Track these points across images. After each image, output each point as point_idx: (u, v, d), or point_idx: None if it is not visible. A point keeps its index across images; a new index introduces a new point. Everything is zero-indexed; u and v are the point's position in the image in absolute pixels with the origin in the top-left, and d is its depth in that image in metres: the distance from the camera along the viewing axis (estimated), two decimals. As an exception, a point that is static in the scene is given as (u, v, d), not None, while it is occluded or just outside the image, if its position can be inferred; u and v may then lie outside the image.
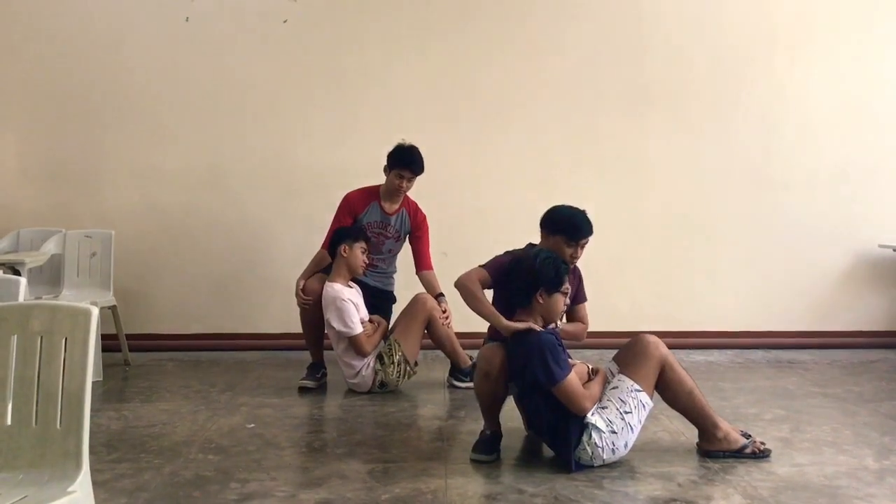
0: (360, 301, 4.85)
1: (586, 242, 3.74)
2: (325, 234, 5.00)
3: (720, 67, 6.08)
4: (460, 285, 3.65)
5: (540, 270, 3.46)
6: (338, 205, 5.02)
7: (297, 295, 4.85)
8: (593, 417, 3.41)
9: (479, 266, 3.69)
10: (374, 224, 5.00)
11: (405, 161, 4.88)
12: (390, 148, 4.98)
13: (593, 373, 3.58)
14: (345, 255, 4.78)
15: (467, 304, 3.64)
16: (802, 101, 6.13)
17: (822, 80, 6.12)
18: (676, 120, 6.11)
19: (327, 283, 4.80)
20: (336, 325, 4.68)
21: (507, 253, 3.75)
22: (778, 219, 6.14)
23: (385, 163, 4.96)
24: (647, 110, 6.09)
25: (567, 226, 3.70)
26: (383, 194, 5.01)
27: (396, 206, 5.04)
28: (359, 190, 5.04)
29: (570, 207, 3.80)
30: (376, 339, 4.79)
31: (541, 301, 3.48)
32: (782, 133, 6.13)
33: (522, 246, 3.85)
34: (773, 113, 6.13)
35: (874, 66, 6.13)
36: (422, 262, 5.06)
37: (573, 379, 3.39)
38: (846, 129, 6.13)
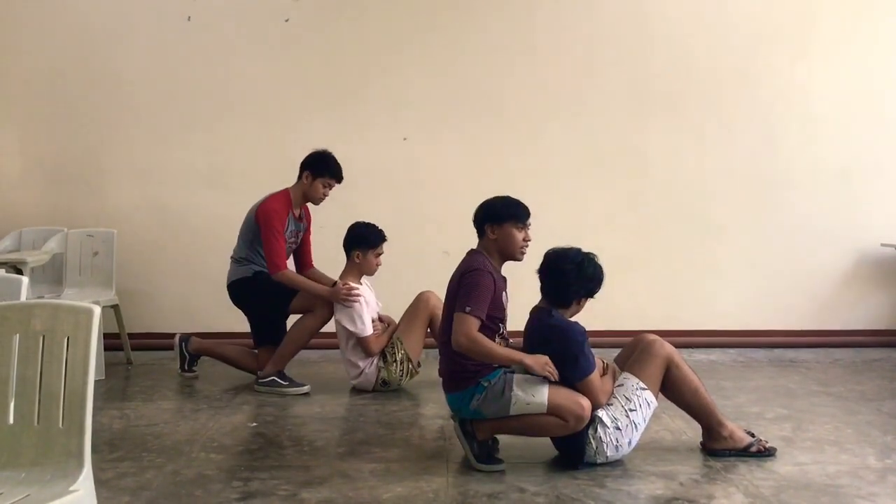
0: (371, 298, 4.88)
1: (530, 223, 3.64)
2: (273, 251, 4.74)
3: (723, 66, 6.07)
4: (466, 349, 3.37)
5: (593, 277, 3.51)
6: (262, 218, 4.80)
7: (347, 295, 4.67)
8: (600, 413, 3.43)
9: (467, 313, 3.36)
10: (291, 233, 4.96)
11: (337, 173, 4.87)
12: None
13: (605, 368, 3.61)
14: (357, 261, 4.83)
15: (482, 360, 3.42)
16: (805, 100, 6.11)
17: (826, 79, 6.10)
18: (679, 119, 6.09)
19: (340, 282, 4.81)
20: (347, 324, 4.70)
21: (475, 272, 3.46)
22: (780, 218, 6.13)
23: (305, 170, 4.88)
24: (650, 109, 6.08)
25: (513, 210, 3.59)
26: (296, 201, 4.93)
27: (299, 209, 5.02)
28: (279, 201, 4.85)
29: (496, 197, 3.66)
30: (385, 340, 4.80)
31: (579, 304, 3.56)
32: (785, 132, 6.12)
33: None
34: (776, 112, 6.11)
35: (878, 66, 6.11)
36: (310, 260, 5.14)
37: (598, 373, 3.46)
38: (849, 128, 6.11)
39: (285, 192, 4.92)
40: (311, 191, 4.89)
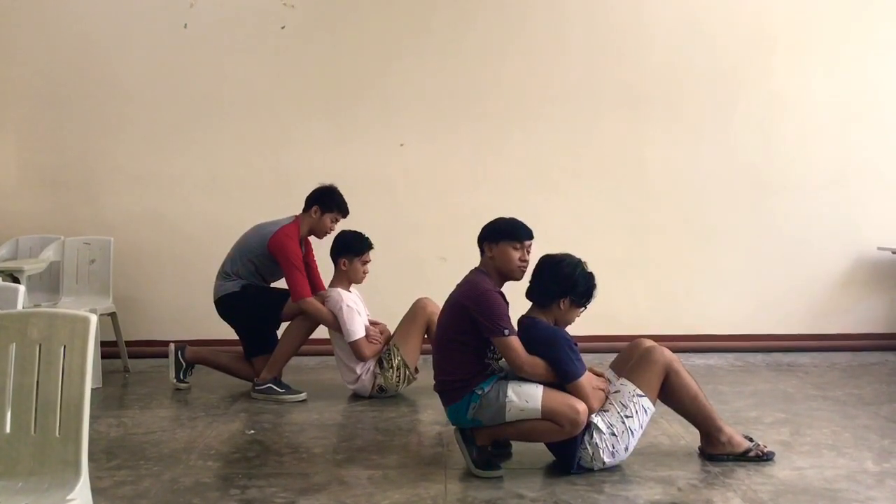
0: (361, 306, 4.89)
1: (530, 245, 3.62)
2: (296, 282, 4.76)
3: (719, 72, 6.09)
4: (529, 374, 3.41)
5: (577, 279, 3.50)
6: (281, 252, 4.80)
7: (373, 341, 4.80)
8: (595, 418, 3.43)
9: (507, 336, 3.39)
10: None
11: (344, 207, 4.96)
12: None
13: (597, 376, 3.61)
14: (344, 268, 4.86)
15: (542, 381, 3.43)
16: (801, 104, 6.13)
17: (821, 83, 6.12)
18: (676, 124, 6.11)
19: (329, 289, 4.85)
20: (340, 322, 4.72)
21: (484, 294, 3.46)
22: (777, 222, 6.14)
23: (314, 205, 4.93)
24: (647, 114, 6.09)
25: (507, 229, 3.59)
26: (303, 233, 4.99)
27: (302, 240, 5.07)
28: (291, 235, 4.87)
29: (500, 217, 3.69)
30: (378, 347, 4.80)
31: (561, 307, 3.53)
32: (781, 137, 6.13)
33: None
34: (773, 116, 6.13)
35: (873, 70, 6.13)
36: (321, 282, 5.12)
37: (588, 376, 3.46)
38: (845, 132, 6.13)
39: (296, 224, 4.95)
40: (318, 224, 4.96)
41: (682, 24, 6.09)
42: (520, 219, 3.66)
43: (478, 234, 3.67)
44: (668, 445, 3.84)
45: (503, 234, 3.58)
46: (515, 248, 3.56)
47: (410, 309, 4.89)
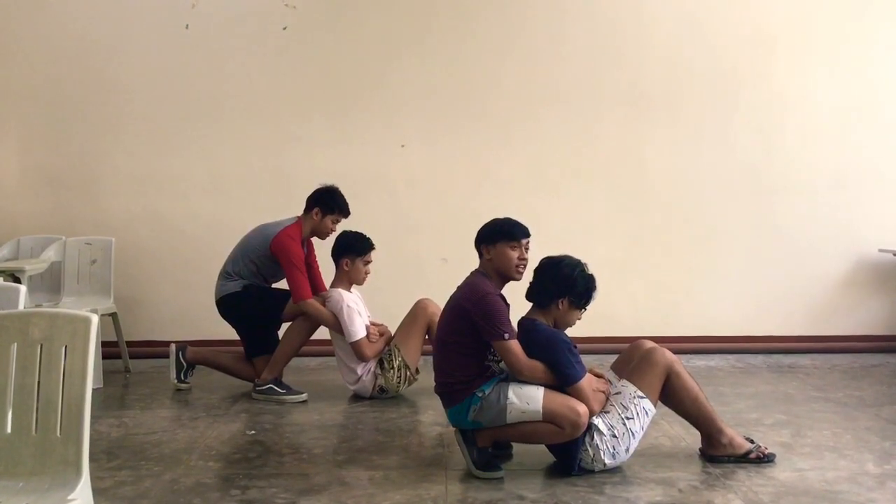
0: (362, 306, 4.89)
1: (528, 243, 3.61)
2: (297, 283, 4.78)
3: (719, 73, 6.09)
4: (529, 378, 3.41)
5: (576, 280, 3.49)
6: (283, 253, 4.82)
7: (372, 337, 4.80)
8: (596, 420, 3.43)
9: (507, 339, 3.39)
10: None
11: (345, 208, 4.97)
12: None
13: (597, 377, 3.60)
14: (346, 268, 4.86)
15: (541, 383, 3.44)
16: (801, 106, 6.13)
17: (821, 85, 6.12)
18: (676, 126, 6.11)
19: (330, 289, 4.85)
20: (341, 325, 4.72)
21: (484, 298, 3.45)
22: (777, 224, 6.14)
23: (315, 206, 4.93)
24: (647, 116, 6.09)
25: (503, 229, 3.59)
26: (305, 234, 5.00)
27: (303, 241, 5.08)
28: (294, 237, 4.88)
29: (495, 218, 3.68)
30: (379, 347, 4.80)
31: (560, 308, 3.52)
32: (782, 138, 6.13)
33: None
34: (773, 118, 6.13)
35: (873, 72, 6.13)
36: (322, 283, 5.11)
37: (588, 379, 3.45)
38: (845, 133, 6.13)
39: (298, 225, 4.96)
40: (320, 226, 4.97)
41: (682, 24, 6.09)
42: (519, 219, 3.66)
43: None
44: (668, 447, 3.84)
45: (499, 235, 3.58)
46: (513, 248, 3.55)
47: (411, 310, 4.90)
